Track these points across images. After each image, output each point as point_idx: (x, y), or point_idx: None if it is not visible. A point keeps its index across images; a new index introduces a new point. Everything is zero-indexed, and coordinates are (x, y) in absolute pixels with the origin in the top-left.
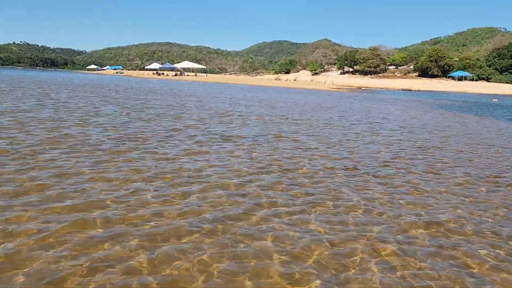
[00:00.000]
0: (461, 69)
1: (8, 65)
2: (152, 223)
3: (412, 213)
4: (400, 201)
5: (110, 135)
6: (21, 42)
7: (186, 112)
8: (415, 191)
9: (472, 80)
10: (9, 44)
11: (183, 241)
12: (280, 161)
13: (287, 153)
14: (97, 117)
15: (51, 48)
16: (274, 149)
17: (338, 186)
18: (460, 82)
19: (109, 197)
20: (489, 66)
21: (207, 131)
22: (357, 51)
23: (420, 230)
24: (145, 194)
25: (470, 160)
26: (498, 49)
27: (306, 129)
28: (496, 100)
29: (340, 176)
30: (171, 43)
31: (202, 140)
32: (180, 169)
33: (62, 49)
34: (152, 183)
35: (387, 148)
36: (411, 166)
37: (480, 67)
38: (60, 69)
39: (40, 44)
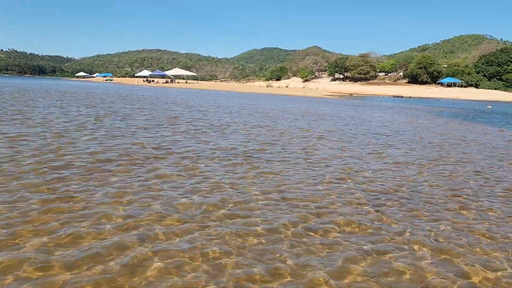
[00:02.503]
0: (450, 76)
1: None
2: None
3: None
4: None
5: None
6: (8, 49)
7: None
8: None
9: (461, 86)
10: None
11: None
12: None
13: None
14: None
15: (40, 55)
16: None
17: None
18: (449, 88)
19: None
20: (478, 72)
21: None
22: (347, 58)
23: None
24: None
25: None
26: (486, 56)
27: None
28: (491, 107)
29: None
30: (161, 50)
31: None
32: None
33: (50, 57)
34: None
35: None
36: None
37: (469, 74)
38: (48, 76)
39: (28, 52)
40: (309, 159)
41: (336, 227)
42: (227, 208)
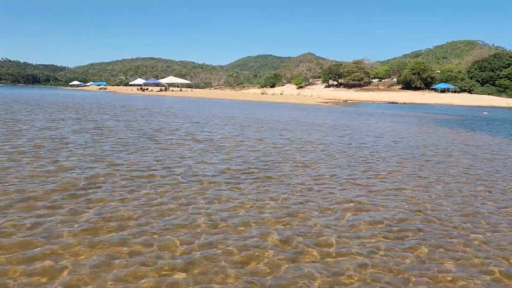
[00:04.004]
0: (443, 81)
1: None
2: None
3: None
4: None
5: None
6: (2, 58)
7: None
8: None
9: (455, 92)
10: None
11: None
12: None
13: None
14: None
15: (33, 64)
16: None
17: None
18: (443, 94)
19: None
20: (471, 78)
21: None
22: (341, 64)
23: None
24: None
25: None
26: (479, 61)
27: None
28: (486, 112)
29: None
30: (155, 58)
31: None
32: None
33: (44, 65)
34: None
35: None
36: None
37: (462, 79)
38: (42, 85)
39: (22, 61)
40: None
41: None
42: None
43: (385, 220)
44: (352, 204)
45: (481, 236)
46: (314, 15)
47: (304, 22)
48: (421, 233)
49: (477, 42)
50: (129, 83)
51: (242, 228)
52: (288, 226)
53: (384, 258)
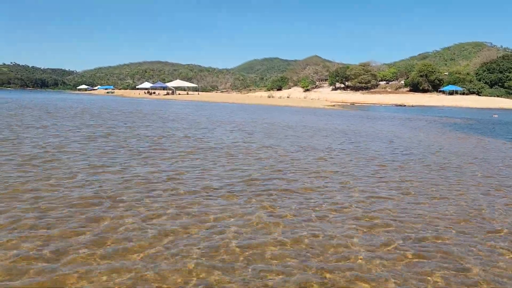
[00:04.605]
0: (451, 84)
1: None
2: None
3: None
4: None
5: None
6: (11, 63)
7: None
8: None
9: (463, 94)
10: None
11: None
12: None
13: None
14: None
15: (42, 68)
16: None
17: None
18: (451, 96)
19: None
20: (479, 80)
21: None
22: (348, 67)
23: None
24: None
25: None
26: (487, 63)
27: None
28: (496, 115)
29: None
30: (162, 62)
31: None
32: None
33: (52, 70)
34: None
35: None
36: None
37: (470, 81)
38: (50, 90)
39: (30, 65)
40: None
41: None
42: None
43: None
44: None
45: None
46: (320, 17)
47: (310, 25)
48: None
49: (485, 43)
50: (136, 86)
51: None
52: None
53: None
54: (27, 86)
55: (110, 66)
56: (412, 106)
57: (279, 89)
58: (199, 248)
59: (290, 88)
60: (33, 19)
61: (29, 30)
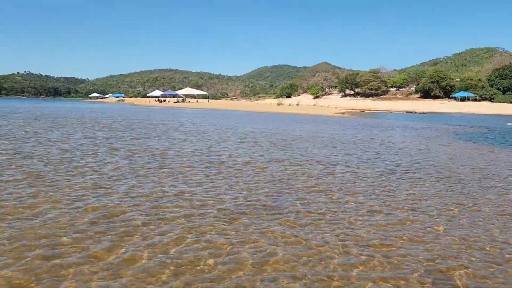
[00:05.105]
0: (463, 90)
1: (12, 95)
2: None
3: None
4: None
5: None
6: (25, 71)
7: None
8: None
9: (475, 100)
10: (12, 74)
11: None
12: None
13: None
14: None
15: (55, 77)
16: None
17: None
18: (463, 102)
19: None
20: (492, 86)
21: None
22: (357, 73)
23: None
24: None
25: None
26: (499, 69)
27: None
28: (510, 124)
29: None
30: (172, 69)
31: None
32: None
33: (65, 78)
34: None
35: None
36: None
37: (483, 87)
38: (63, 98)
39: (44, 74)
40: None
41: None
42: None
43: None
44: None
45: None
46: (329, 24)
47: (319, 32)
48: None
49: (497, 49)
50: (147, 94)
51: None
52: None
53: None
54: (41, 95)
55: (121, 74)
56: (423, 112)
57: (289, 96)
58: None
59: (299, 95)
60: (47, 29)
61: (42, 39)
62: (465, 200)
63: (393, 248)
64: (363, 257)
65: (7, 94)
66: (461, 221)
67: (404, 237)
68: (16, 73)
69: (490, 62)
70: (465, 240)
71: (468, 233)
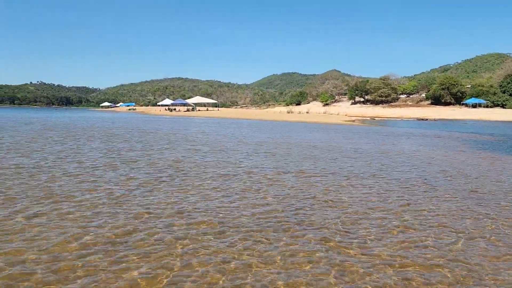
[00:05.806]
0: (474, 96)
1: (25, 104)
2: None
3: None
4: None
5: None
6: (37, 81)
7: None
8: None
9: (487, 106)
10: (25, 84)
11: None
12: None
13: None
14: None
15: (67, 86)
16: None
17: None
18: (474, 109)
19: None
20: (504, 92)
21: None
22: (367, 81)
23: None
24: None
25: None
26: (511, 75)
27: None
28: None
29: None
30: (182, 78)
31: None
32: None
33: (77, 88)
34: None
35: None
36: None
37: (494, 94)
38: (74, 107)
39: (56, 83)
40: None
41: None
42: None
43: None
44: None
45: None
46: (338, 32)
47: (329, 39)
48: None
49: (508, 55)
50: (157, 103)
51: None
52: None
53: None
54: (53, 104)
55: (132, 83)
56: (435, 120)
57: (298, 104)
58: None
59: (309, 102)
60: (59, 39)
61: (54, 49)
62: None
63: None
64: None
65: (20, 104)
66: None
67: None
68: (29, 83)
69: (502, 68)
70: None
71: None
